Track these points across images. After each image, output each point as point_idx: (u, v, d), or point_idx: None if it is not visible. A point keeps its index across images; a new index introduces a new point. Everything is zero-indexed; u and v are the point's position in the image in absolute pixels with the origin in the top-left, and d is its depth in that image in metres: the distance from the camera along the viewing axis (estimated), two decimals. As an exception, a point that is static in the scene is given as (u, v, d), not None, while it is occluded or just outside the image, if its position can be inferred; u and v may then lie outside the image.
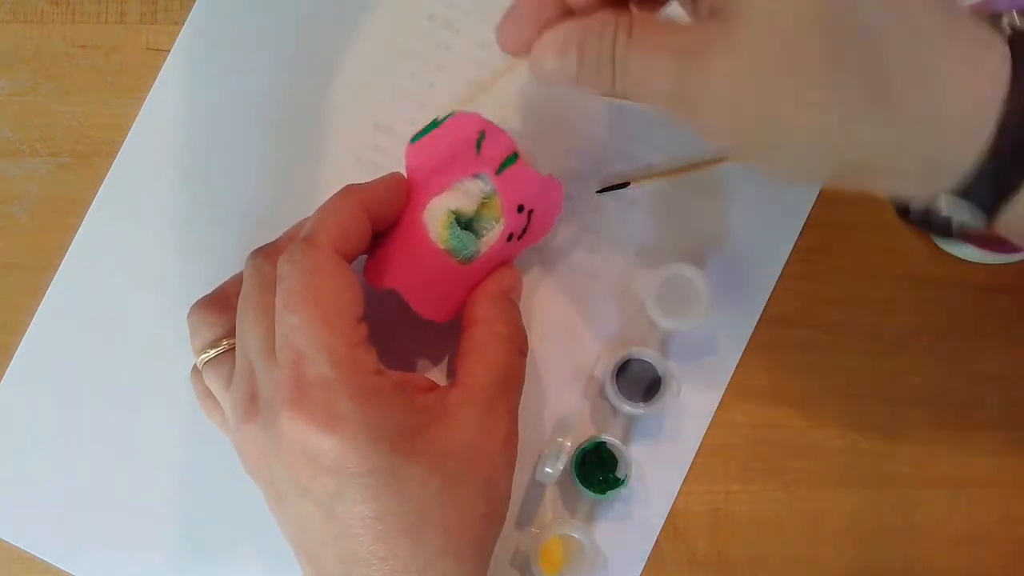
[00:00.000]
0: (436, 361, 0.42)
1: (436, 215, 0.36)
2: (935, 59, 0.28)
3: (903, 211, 0.42)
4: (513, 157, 0.38)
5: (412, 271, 0.36)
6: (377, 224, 0.36)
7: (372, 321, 0.34)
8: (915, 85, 0.28)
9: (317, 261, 0.33)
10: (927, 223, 0.33)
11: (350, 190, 0.36)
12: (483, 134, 0.37)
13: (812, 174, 0.32)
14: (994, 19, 0.30)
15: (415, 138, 0.37)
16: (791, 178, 0.38)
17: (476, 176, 0.37)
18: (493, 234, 0.37)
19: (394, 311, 0.37)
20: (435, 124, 0.36)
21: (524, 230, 0.38)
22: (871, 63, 0.27)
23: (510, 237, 0.38)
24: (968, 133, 0.28)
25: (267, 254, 0.36)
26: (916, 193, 0.31)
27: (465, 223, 0.37)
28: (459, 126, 0.37)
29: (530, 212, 0.38)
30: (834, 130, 0.28)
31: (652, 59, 0.30)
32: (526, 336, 0.38)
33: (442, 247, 0.36)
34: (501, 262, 0.38)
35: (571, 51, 0.31)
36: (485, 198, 0.37)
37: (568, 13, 0.32)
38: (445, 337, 0.40)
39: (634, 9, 0.32)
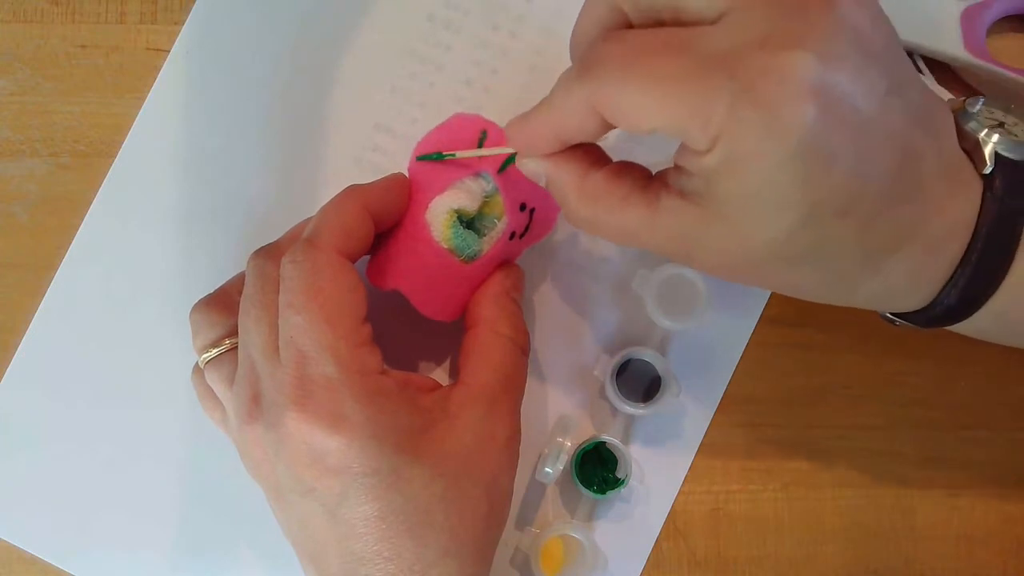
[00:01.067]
0: (439, 361, 0.42)
1: (438, 214, 0.36)
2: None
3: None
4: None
5: (415, 271, 0.36)
6: (380, 224, 0.36)
7: (375, 321, 0.34)
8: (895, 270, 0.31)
9: (320, 261, 0.33)
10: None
11: (352, 190, 0.35)
12: (485, 133, 0.37)
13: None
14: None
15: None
16: None
17: (478, 175, 0.37)
18: (495, 233, 0.37)
19: (397, 311, 0.37)
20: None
21: (526, 228, 0.38)
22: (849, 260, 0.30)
23: (512, 236, 0.38)
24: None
25: (269, 254, 0.36)
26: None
27: (467, 222, 0.37)
28: (461, 126, 0.37)
29: (532, 210, 0.38)
30: (822, 296, 0.33)
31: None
32: (528, 336, 0.38)
33: (445, 246, 0.36)
34: (503, 261, 0.38)
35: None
36: (487, 197, 0.37)
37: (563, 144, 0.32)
38: (448, 337, 0.40)
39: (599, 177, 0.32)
